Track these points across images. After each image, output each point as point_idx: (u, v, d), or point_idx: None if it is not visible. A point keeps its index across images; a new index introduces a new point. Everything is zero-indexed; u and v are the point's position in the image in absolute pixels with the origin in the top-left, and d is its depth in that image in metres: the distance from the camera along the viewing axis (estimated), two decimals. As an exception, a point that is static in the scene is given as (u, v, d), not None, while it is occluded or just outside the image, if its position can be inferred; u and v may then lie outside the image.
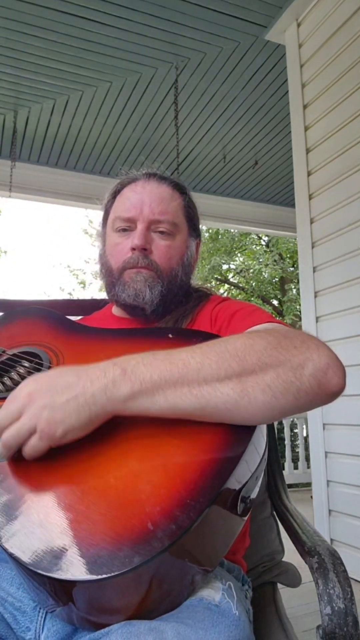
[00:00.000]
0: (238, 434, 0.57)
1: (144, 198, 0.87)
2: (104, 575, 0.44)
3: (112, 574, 0.44)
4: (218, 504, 0.50)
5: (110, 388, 0.56)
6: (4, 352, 0.80)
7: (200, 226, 0.97)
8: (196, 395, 0.56)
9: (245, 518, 0.59)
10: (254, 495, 0.61)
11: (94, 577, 0.44)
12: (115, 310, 0.96)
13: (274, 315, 0.80)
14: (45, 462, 0.57)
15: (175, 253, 0.88)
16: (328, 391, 0.58)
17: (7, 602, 0.58)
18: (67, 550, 0.47)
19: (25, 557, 0.47)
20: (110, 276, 0.88)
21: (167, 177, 0.92)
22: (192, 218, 0.93)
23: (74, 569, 0.45)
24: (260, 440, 0.60)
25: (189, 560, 0.49)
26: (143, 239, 0.85)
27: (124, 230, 0.88)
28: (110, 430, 0.59)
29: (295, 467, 4.91)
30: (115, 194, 0.93)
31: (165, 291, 0.86)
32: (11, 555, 0.48)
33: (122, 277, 0.86)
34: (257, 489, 0.62)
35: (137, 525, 0.47)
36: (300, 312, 7.13)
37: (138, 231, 0.86)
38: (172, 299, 0.88)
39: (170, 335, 0.73)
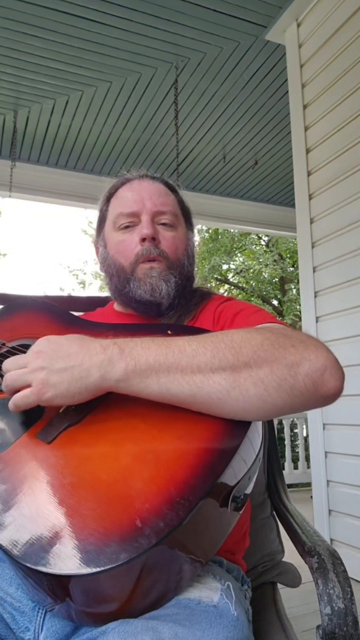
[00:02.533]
0: (233, 430, 0.57)
1: (143, 193, 0.88)
2: (91, 570, 0.44)
3: (98, 570, 0.44)
4: (208, 502, 0.50)
5: (106, 365, 0.58)
6: (3, 344, 0.80)
7: (195, 225, 0.99)
8: (188, 382, 0.57)
9: (239, 514, 0.59)
10: (248, 491, 0.61)
11: (81, 571, 0.45)
12: (118, 307, 0.96)
13: (275, 316, 0.80)
14: (38, 455, 0.58)
15: (180, 243, 0.90)
16: (324, 392, 0.58)
17: (6, 602, 0.58)
18: (55, 544, 0.47)
19: (15, 550, 0.48)
20: (123, 273, 0.87)
21: (158, 176, 0.95)
22: (187, 213, 0.95)
23: (62, 563, 0.46)
24: (255, 439, 0.60)
25: (179, 555, 0.49)
26: (152, 228, 0.86)
27: (127, 227, 0.88)
28: (104, 423, 0.60)
29: (295, 467, 4.91)
30: (110, 197, 0.93)
31: (179, 281, 0.87)
32: (2, 549, 0.49)
33: (136, 272, 0.86)
34: (250, 488, 0.62)
35: (125, 521, 0.47)
36: (300, 312, 7.13)
37: (144, 222, 0.86)
38: (183, 290, 0.89)
39: (169, 332, 0.74)
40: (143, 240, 0.85)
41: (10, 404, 0.61)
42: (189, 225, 0.96)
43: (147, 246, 0.85)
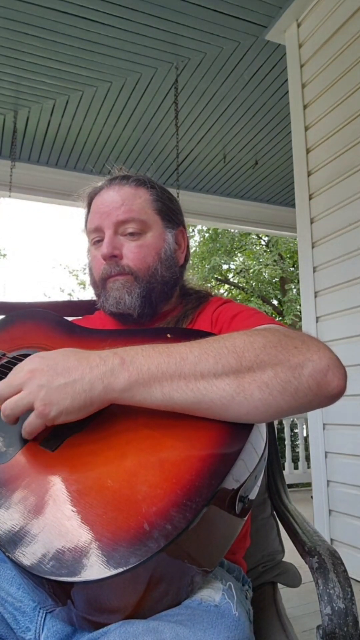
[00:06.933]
0: (235, 432, 0.57)
1: (106, 203, 0.86)
2: (100, 577, 0.44)
3: (108, 575, 0.44)
4: (215, 504, 0.50)
5: (108, 377, 0.57)
6: (3, 355, 0.80)
7: (184, 222, 0.95)
8: (192, 389, 0.56)
9: (245, 518, 0.59)
10: (252, 495, 0.61)
11: (90, 578, 0.44)
12: None
13: (274, 317, 0.79)
14: (43, 464, 0.58)
15: (150, 250, 0.86)
16: (327, 393, 0.58)
17: (7, 602, 0.58)
18: (63, 551, 0.47)
19: (22, 559, 0.47)
20: (96, 288, 0.90)
21: (130, 175, 0.90)
22: (164, 210, 0.89)
23: (70, 570, 0.45)
24: (258, 440, 0.60)
25: (187, 560, 0.49)
26: (110, 247, 0.84)
27: (98, 241, 0.89)
28: (107, 429, 0.60)
29: (295, 467, 4.92)
30: (89, 207, 0.93)
31: (144, 292, 0.85)
32: (8, 557, 0.49)
33: (105, 287, 0.86)
34: (256, 489, 0.62)
35: (133, 525, 0.47)
36: (300, 312, 7.13)
37: (105, 239, 0.85)
38: (156, 296, 0.87)
39: (168, 335, 0.73)
40: (105, 259, 0.85)
41: (23, 434, 0.60)
42: (169, 223, 0.90)
43: (108, 265, 0.85)
